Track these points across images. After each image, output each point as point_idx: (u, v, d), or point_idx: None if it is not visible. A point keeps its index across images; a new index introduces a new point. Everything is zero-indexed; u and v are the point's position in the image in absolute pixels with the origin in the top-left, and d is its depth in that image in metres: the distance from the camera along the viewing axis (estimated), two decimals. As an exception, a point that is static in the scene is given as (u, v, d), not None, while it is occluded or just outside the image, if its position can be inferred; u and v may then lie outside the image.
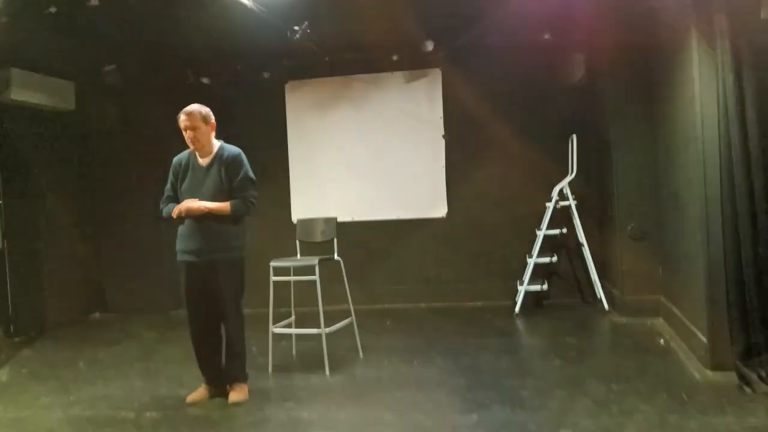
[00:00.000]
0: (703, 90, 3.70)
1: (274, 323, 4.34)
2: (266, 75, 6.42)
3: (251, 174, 3.66)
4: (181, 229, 3.65)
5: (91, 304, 6.83)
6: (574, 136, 5.83)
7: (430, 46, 5.91)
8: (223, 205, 3.55)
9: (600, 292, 5.73)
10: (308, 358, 4.53)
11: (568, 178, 5.82)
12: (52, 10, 4.05)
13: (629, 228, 5.27)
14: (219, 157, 3.64)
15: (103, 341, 5.53)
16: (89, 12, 3.99)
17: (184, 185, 3.64)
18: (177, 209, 3.55)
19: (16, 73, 5.51)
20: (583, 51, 5.86)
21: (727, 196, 3.58)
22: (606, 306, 5.65)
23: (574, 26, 5.66)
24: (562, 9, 5.08)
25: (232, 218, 3.58)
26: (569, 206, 5.81)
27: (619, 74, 5.35)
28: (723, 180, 3.58)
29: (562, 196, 5.84)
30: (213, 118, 3.64)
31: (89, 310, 6.82)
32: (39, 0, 4.01)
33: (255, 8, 4.37)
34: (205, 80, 6.41)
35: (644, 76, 5.16)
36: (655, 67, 5.00)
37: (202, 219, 3.55)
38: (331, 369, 4.18)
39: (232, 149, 3.69)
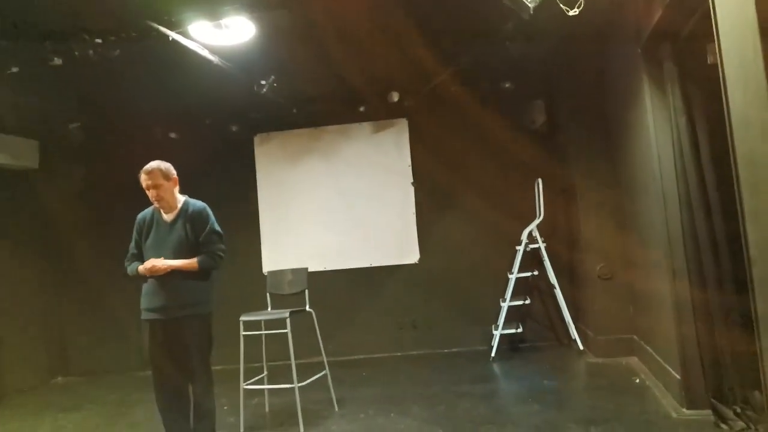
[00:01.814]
0: (658, 133, 3.84)
1: (245, 379, 4.22)
2: (234, 128, 6.46)
3: (217, 227, 3.61)
4: (146, 287, 3.56)
5: (53, 368, 6.57)
6: (540, 180, 5.95)
7: (395, 96, 6.04)
8: (190, 262, 3.49)
9: (574, 333, 5.74)
10: (282, 415, 4.40)
11: (537, 221, 5.91)
12: (15, 69, 4.03)
13: (598, 268, 5.34)
14: (184, 212, 3.60)
15: (65, 407, 5.28)
16: (52, 70, 3.97)
17: (149, 242, 3.57)
18: (142, 268, 3.47)
19: (-23, 133, 5.44)
20: (543, 97, 6.07)
21: (689, 234, 3.67)
22: (581, 346, 5.65)
23: (532, 75, 5.89)
24: (520, 59, 5.28)
25: (200, 273, 3.51)
26: (539, 248, 5.87)
27: (579, 119, 5.54)
28: (683, 219, 3.68)
29: (531, 238, 5.91)
30: (174, 173, 3.61)
31: (51, 374, 6.55)
32: (0, 59, 3.98)
33: (221, 63, 4.42)
34: (172, 135, 6.41)
35: (603, 120, 5.35)
36: (613, 112, 5.19)
37: (167, 275, 3.47)
38: (305, 425, 4.05)
39: (197, 204, 3.65)
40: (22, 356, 6.14)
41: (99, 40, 3.76)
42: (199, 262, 3.49)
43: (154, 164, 3.55)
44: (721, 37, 2.47)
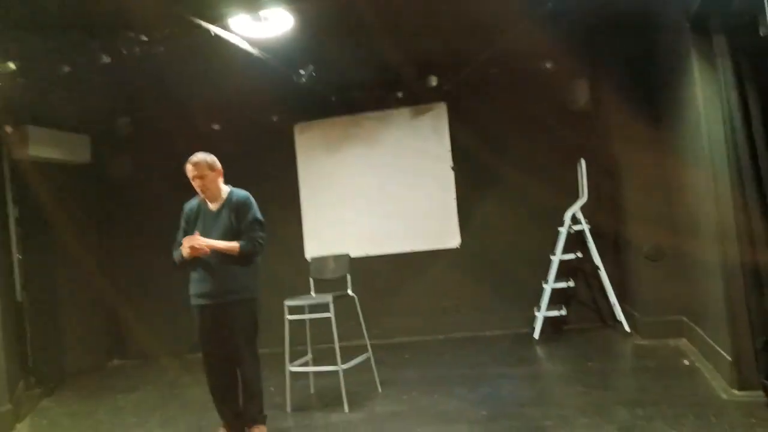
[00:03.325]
0: (707, 109, 3.72)
1: (290, 362, 4.33)
2: (275, 118, 6.56)
3: (259, 216, 3.71)
4: (193, 274, 3.69)
5: (110, 350, 6.92)
6: (583, 161, 5.84)
7: (433, 81, 6.01)
8: (231, 244, 3.59)
9: (620, 315, 5.65)
10: (327, 396, 4.50)
11: (580, 202, 5.81)
12: (66, 69, 4.20)
13: (645, 249, 5.23)
14: (228, 201, 3.71)
15: (122, 388, 5.54)
16: (101, 68, 4.13)
17: (195, 230, 3.69)
18: (184, 249, 3.57)
19: (33, 130, 5.70)
20: (586, 77, 5.93)
21: (740, 213, 3.55)
22: (627, 328, 5.56)
23: (575, 54, 5.75)
24: (562, 37, 5.17)
25: (241, 257, 3.61)
26: (582, 230, 5.78)
27: (624, 97, 5.37)
28: (735, 197, 3.56)
29: (574, 220, 5.82)
30: (219, 165, 3.71)
31: (108, 356, 6.89)
32: (53, 60, 4.16)
33: (260, 55, 4.50)
34: (215, 126, 6.56)
35: (649, 97, 5.19)
36: (659, 89, 5.04)
37: (213, 262, 3.58)
38: (350, 405, 4.14)
39: (241, 193, 3.75)
40: (81, 340, 6.48)
41: (144, 38, 3.89)
42: (241, 246, 3.59)
43: (199, 156, 3.66)
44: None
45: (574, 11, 4.38)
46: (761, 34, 3.40)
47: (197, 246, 3.52)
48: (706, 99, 3.73)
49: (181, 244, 3.72)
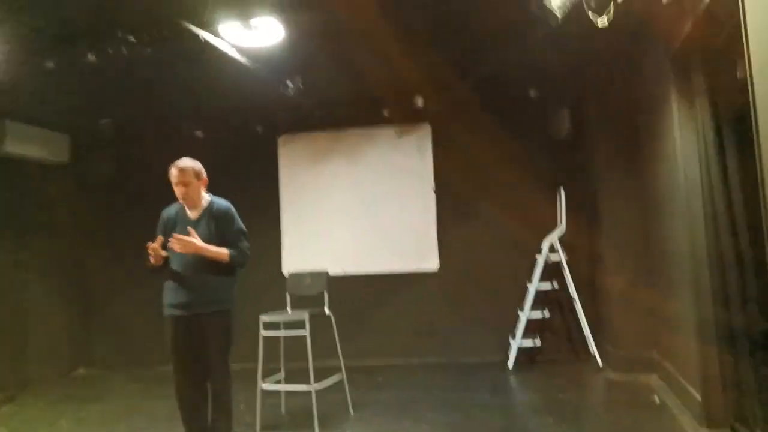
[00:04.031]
0: (684, 146, 3.78)
1: (262, 379, 4.24)
2: (259, 129, 6.53)
3: (242, 226, 3.66)
4: (169, 283, 3.61)
5: (76, 358, 6.71)
6: (562, 189, 5.89)
7: (420, 101, 6.04)
8: (221, 250, 3.52)
9: (593, 348, 5.66)
10: (297, 416, 4.42)
11: (558, 231, 5.85)
12: (50, 65, 4.13)
13: (619, 282, 5.26)
14: (209, 210, 3.65)
15: (87, 398, 5.38)
16: (86, 67, 4.06)
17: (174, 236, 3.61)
18: (177, 239, 3.43)
19: (10, 125, 5.57)
20: (569, 106, 6.02)
21: (713, 252, 3.59)
22: (600, 362, 5.57)
23: (558, 83, 5.85)
24: (547, 67, 5.25)
25: (229, 266, 3.55)
26: (559, 260, 5.81)
27: (605, 129, 5.47)
28: (708, 235, 3.61)
29: (552, 249, 5.85)
30: (204, 174, 3.66)
31: (74, 364, 6.68)
32: (37, 55, 4.09)
33: (249, 64, 4.48)
34: (198, 133, 6.50)
35: (629, 130, 5.25)
36: (640, 122, 5.12)
37: (190, 271, 3.51)
38: (320, 427, 4.07)
39: (222, 202, 3.70)
40: (46, 346, 6.28)
41: (132, 39, 3.84)
42: (231, 255, 3.52)
43: (187, 162, 3.60)
44: (751, 54, 2.43)
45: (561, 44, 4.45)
46: (738, 77, 3.49)
47: (186, 243, 3.41)
48: (684, 137, 3.79)
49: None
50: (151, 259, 3.49)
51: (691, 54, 3.69)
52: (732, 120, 3.61)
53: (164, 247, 3.59)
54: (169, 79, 5.11)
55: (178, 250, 3.44)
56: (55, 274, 6.50)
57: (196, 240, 3.45)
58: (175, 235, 3.46)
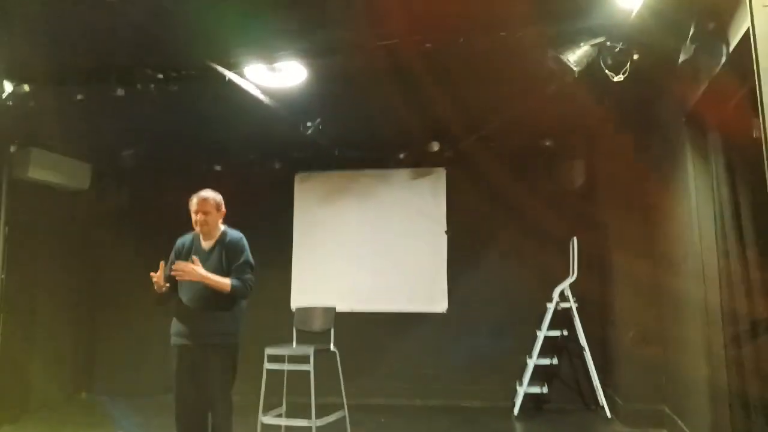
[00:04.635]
0: (699, 204, 3.79)
1: (264, 412, 4.22)
2: (277, 166, 6.64)
3: (251, 259, 3.70)
4: (176, 313, 3.64)
5: (79, 383, 6.71)
6: (575, 239, 5.90)
7: (435, 146, 6.12)
8: (223, 280, 3.56)
9: (602, 399, 5.56)
10: (297, 454, 4.36)
11: (569, 280, 5.83)
12: (80, 97, 4.28)
13: (630, 334, 5.21)
14: (221, 241, 3.71)
15: (87, 425, 5.35)
16: (114, 100, 4.21)
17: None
18: (178, 266, 3.48)
19: (36, 152, 5.74)
20: (583, 158, 6.08)
21: (727, 311, 3.55)
22: (608, 414, 5.47)
23: (574, 134, 5.93)
24: (562, 117, 5.34)
25: (229, 297, 3.58)
26: (570, 308, 5.78)
27: (618, 183, 5.50)
28: (722, 296, 3.57)
29: (563, 297, 5.82)
30: (224, 207, 3.76)
31: (77, 389, 6.68)
32: (68, 87, 4.24)
33: (271, 104, 4.61)
34: (217, 167, 6.63)
35: (642, 186, 5.30)
36: (653, 177, 5.15)
37: (197, 302, 3.55)
38: (319, 466, 4.02)
39: (235, 234, 3.76)
40: (50, 369, 6.28)
41: (161, 76, 3.99)
42: (233, 285, 3.55)
43: (209, 193, 3.71)
44: (765, 114, 2.47)
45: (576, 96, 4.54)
46: (754, 136, 3.53)
47: (189, 271, 3.47)
48: (699, 193, 3.81)
49: (167, 277, 3.68)
50: (155, 287, 3.54)
51: (707, 113, 3.74)
52: (747, 179, 3.64)
53: (168, 275, 3.64)
54: (192, 115, 5.25)
55: (179, 279, 3.49)
56: (65, 298, 6.56)
57: (198, 267, 3.50)
58: (178, 262, 3.52)
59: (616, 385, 5.54)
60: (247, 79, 4.14)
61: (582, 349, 5.73)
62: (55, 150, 6.00)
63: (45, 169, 5.89)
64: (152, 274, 3.52)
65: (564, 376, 6.06)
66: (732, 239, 3.59)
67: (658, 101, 4.67)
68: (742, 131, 3.59)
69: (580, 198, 6.16)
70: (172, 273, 3.49)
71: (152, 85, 3.98)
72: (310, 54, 3.86)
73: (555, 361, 5.78)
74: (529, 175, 6.27)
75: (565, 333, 5.83)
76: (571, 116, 5.36)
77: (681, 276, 4.33)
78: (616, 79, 3.43)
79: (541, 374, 5.80)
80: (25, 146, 5.67)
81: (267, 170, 6.66)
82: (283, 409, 4.49)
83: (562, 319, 5.85)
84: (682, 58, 3.44)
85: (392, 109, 5.03)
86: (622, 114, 5.15)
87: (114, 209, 6.75)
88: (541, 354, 5.74)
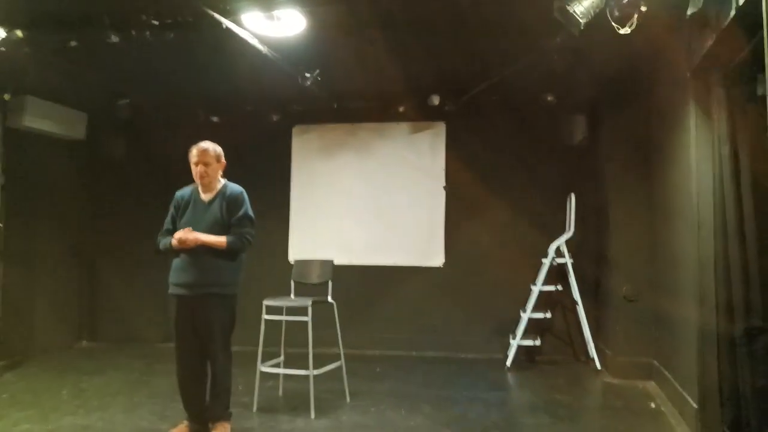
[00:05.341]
0: (699, 159, 3.79)
1: (262, 362, 4.31)
2: (274, 118, 6.57)
3: (251, 212, 3.72)
4: (176, 262, 3.68)
5: (80, 331, 6.84)
6: (573, 195, 5.91)
7: (436, 100, 6.05)
8: (219, 239, 3.59)
9: (593, 351, 5.69)
10: (294, 400, 4.48)
11: (566, 236, 5.87)
12: (73, 43, 4.19)
13: (624, 289, 5.29)
14: (222, 194, 3.72)
15: (89, 370, 5.47)
16: (108, 47, 4.12)
17: (184, 219, 3.69)
18: (174, 241, 3.57)
19: (30, 100, 5.65)
20: (584, 113, 6.02)
21: (720, 263, 3.60)
22: (598, 365, 5.61)
23: (576, 89, 5.85)
24: (565, 73, 5.25)
25: (227, 253, 3.61)
26: (565, 264, 5.84)
27: (619, 137, 5.48)
28: (717, 247, 3.62)
29: (558, 253, 5.87)
30: (223, 158, 3.76)
31: (78, 337, 6.81)
32: (61, 34, 4.14)
33: (269, 54, 4.52)
34: (214, 119, 6.56)
35: (644, 139, 5.27)
36: (655, 132, 5.13)
37: (197, 253, 3.58)
38: (316, 412, 4.13)
39: (235, 187, 3.77)
40: (51, 318, 6.39)
41: (156, 22, 3.89)
42: (228, 242, 3.59)
43: (208, 144, 3.70)
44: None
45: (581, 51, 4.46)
46: (758, 94, 3.49)
47: (186, 239, 3.51)
48: (699, 149, 3.80)
49: (168, 231, 3.72)
50: (173, 243, 3.57)
51: (712, 67, 3.69)
52: (749, 136, 3.62)
53: (171, 229, 3.68)
54: (189, 65, 5.16)
55: (177, 246, 3.54)
56: (64, 247, 6.61)
57: (188, 234, 3.52)
58: (177, 233, 3.56)
59: (607, 339, 5.66)
60: (244, 28, 4.04)
61: (575, 303, 5.83)
62: (51, 98, 5.91)
63: (41, 118, 5.82)
64: (174, 242, 3.56)
65: (557, 329, 6.19)
66: (730, 195, 3.60)
67: (663, 56, 4.60)
68: (747, 88, 3.56)
69: (580, 154, 6.13)
70: (173, 245, 3.56)
71: (147, 32, 3.89)
72: (310, 1, 3.75)
73: (548, 315, 5.88)
74: (529, 130, 6.24)
75: (560, 288, 5.91)
76: (574, 71, 5.27)
77: (677, 230, 4.36)
78: (622, 31, 3.36)
79: (534, 327, 5.92)
80: (19, 94, 5.58)
81: (265, 122, 6.59)
82: (282, 358, 4.59)
83: (557, 274, 5.92)
84: (690, 10, 3.37)
85: (393, 60, 4.95)
86: (626, 69, 5.08)
87: (112, 159, 6.70)
88: (535, 308, 5.84)
